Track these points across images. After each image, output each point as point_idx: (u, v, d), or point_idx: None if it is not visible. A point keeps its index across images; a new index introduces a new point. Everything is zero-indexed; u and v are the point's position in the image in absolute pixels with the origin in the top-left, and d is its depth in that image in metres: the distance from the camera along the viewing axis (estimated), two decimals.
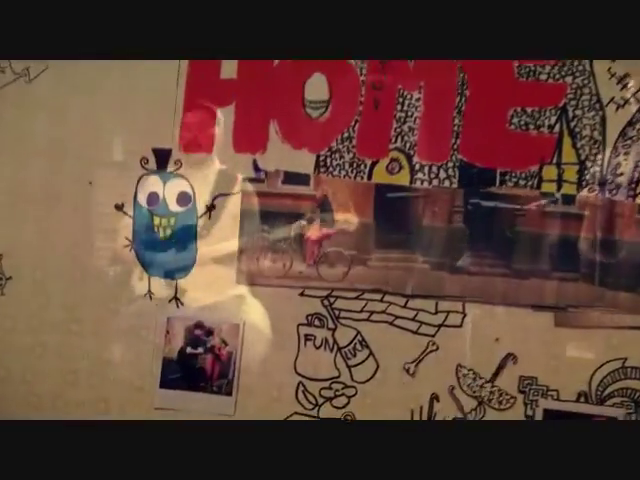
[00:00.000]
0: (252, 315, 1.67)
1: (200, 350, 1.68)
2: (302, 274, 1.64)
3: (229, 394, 1.67)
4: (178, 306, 1.69)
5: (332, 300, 1.65)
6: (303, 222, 1.64)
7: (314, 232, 1.64)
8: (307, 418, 1.63)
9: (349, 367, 1.61)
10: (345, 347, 1.65)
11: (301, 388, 1.62)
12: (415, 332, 1.61)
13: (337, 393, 1.63)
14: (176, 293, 1.68)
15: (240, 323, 1.67)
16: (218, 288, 1.68)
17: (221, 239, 1.68)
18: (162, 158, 1.70)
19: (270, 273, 1.65)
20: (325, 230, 1.64)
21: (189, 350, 1.68)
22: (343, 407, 1.64)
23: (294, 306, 1.66)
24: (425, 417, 1.62)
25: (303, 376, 1.62)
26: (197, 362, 1.68)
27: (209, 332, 1.68)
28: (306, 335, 1.65)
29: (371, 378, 1.62)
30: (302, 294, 1.66)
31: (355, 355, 1.64)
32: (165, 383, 1.69)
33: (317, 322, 1.65)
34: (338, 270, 1.63)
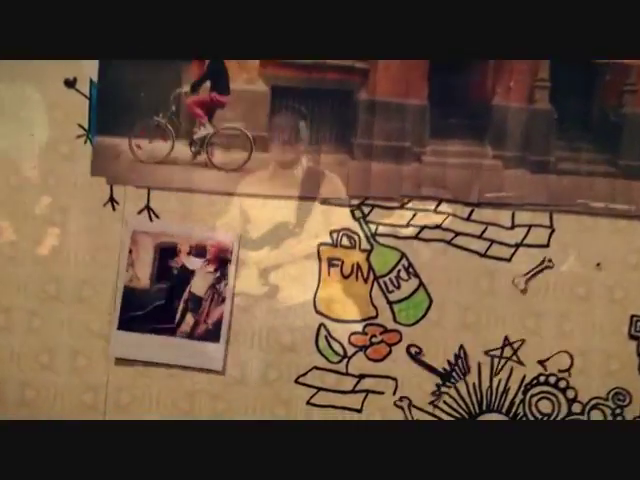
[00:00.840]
0: (251, 231, 1.28)
1: (176, 278, 1.26)
2: (183, 159, 1.28)
3: (215, 340, 1.25)
4: (151, 219, 1.28)
5: (366, 210, 1.27)
6: (184, 90, 1.29)
7: (198, 96, 1.29)
8: (330, 375, 1.27)
9: (390, 303, 1.26)
10: (384, 276, 1.26)
11: (323, 332, 1.27)
12: (483, 255, 1.27)
13: (374, 340, 1.27)
14: (148, 202, 1.30)
15: (234, 241, 1.27)
16: (202, 194, 1.29)
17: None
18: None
19: (147, 157, 1.28)
20: (214, 95, 1.28)
21: (160, 280, 1.27)
22: (382, 359, 1.27)
23: (312, 218, 1.28)
24: (499, 377, 1.26)
25: (326, 316, 1.27)
26: (172, 294, 1.26)
27: (188, 252, 1.27)
28: (330, 259, 1.27)
29: (421, 319, 1.26)
30: (324, 202, 1.25)
31: (399, 287, 1.27)
32: (126, 324, 1.27)
33: (346, 241, 1.27)
34: (236, 155, 1.27)
